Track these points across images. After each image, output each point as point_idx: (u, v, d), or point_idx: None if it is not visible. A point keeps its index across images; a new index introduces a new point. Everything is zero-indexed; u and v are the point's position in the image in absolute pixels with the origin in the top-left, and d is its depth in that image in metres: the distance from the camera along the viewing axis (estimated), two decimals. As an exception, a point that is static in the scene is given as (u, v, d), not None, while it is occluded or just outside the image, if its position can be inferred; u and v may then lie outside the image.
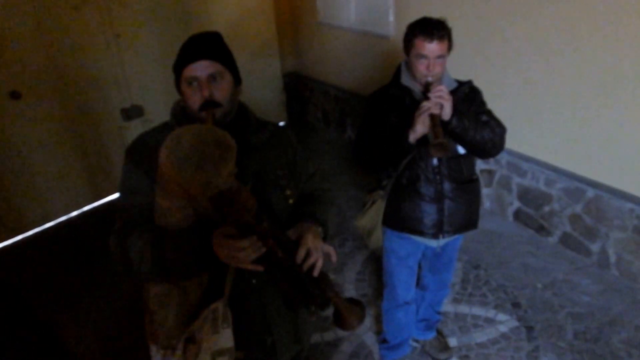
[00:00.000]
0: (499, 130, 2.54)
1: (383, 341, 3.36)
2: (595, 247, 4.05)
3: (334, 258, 1.80)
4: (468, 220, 2.76)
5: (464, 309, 3.79)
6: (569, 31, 3.75)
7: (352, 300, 1.76)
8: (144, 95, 5.57)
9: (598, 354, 3.30)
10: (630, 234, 3.76)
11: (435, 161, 2.58)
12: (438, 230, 2.69)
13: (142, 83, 5.54)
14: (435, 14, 2.52)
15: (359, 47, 6.11)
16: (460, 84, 2.63)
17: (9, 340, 3.82)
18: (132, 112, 5.51)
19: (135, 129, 5.42)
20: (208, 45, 1.80)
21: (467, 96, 2.61)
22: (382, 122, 2.59)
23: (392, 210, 2.77)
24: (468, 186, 2.68)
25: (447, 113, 2.33)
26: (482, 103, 2.66)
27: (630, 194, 3.70)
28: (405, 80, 2.58)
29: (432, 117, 2.32)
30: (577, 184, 4.02)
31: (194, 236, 1.60)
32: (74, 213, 5.40)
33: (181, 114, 1.86)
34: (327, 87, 6.92)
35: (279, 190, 1.93)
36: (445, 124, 2.35)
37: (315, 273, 1.67)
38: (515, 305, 3.76)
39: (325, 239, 1.89)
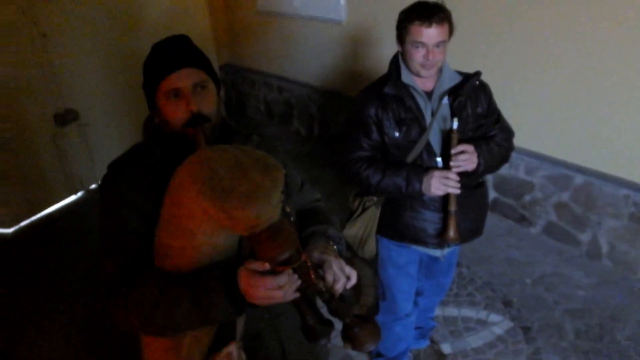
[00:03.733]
0: (510, 142, 2.57)
1: (377, 355, 3.22)
2: (584, 237, 4.03)
3: (353, 280, 1.63)
4: (475, 229, 2.65)
5: (452, 311, 3.70)
6: (554, 9, 3.69)
7: (367, 319, 1.61)
8: (78, 98, 5.31)
9: (604, 354, 3.26)
10: (625, 222, 3.74)
11: (441, 166, 2.44)
12: (442, 240, 2.56)
13: (75, 85, 5.27)
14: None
15: (305, 34, 5.97)
16: (466, 76, 2.48)
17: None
18: (67, 117, 5.22)
19: (70, 135, 5.21)
20: (186, 52, 1.63)
21: (476, 91, 2.47)
22: (375, 133, 2.46)
23: (389, 219, 2.63)
24: (475, 191, 2.56)
25: (471, 169, 2.35)
26: (493, 106, 2.55)
27: (624, 180, 3.68)
28: (406, 76, 2.41)
29: (450, 195, 2.38)
30: (563, 171, 3.99)
31: (216, 277, 1.41)
32: (10, 230, 5.12)
33: (158, 133, 1.67)
34: (269, 78, 6.75)
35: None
36: (471, 173, 2.39)
37: (337, 294, 1.53)
38: (507, 303, 3.70)
39: (340, 255, 1.73)
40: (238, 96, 7.33)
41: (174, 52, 1.60)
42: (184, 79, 1.56)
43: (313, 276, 1.42)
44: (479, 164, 2.35)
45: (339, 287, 1.52)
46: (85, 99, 5.32)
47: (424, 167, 2.40)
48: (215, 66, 6.61)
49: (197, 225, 1.31)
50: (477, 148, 2.35)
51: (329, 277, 1.52)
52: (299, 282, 1.38)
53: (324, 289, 1.48)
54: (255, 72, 6.95)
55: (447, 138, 2.36)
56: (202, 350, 1.58)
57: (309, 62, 6.02)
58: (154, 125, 1.69)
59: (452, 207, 2.39)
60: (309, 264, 1.42)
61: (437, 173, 2.32)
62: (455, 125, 2.29)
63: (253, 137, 1.78)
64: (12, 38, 4.75)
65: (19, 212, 5.18)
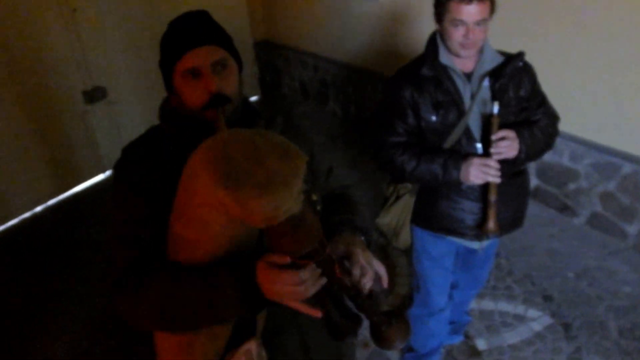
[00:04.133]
0: (555, 127, 2.41)
1: (409, 350, 3.08)
2: (631, 229, 3.83)
3: (384, 276, 1.52)
4: (515, 219, 2.48)
5: (488, 304, 3.54)
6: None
7: (397, 316, 1.47)
8: (107, 75, 5.24)
9: (651, 355, 3.07)
10: (677, 215, 3.52)
11: (480, 151, 2.27)
12: (482, 232, 2.40)
13: (104, 62, 5.20)
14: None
15: (341, 11, 5.78)
16: (508, 57, 2.30)
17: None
18: (95, 94, 5.17)
19: (100, 112, 5.16)
20: (204, 28, 1.49)
21: (519, 74, 2.29)
22: (410, 116, 2.30)
23: (424, 208, 2.48)
24: (517, 180, 2.39)
25: (512, 156, 2.20)
26: (537, 88, 2.38)
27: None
28: (444, 57, 2.24)
29: (490, 184, 2.23)
30: (610, 159, 3.78)
31: (230, 272, 1.30)
32: (39, 208, 5.09)
33: (175, 117, 1.55)
34: (304, 56, 6.60)
35: (304, 196, 1.61)
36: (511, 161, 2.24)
37: (365, 289, 1.40)
38: (547, 298, 3.52)
39: (369, 247, 1.59)
40: (273, 74, 7.20)
41: (192, 28, 1.47)
42: (202, 57, 1.43)
43: (338, 271, 1.31)
44: (520, 151, 2.19)
45: (366, 282, 1.39)
46: (114, 77, 5.25)
47: (462, 154, 2.24)
48: (250, 43, 6.60)
49: (212, 215, 1.19)
50: (518, 134, 2.19)
51: (356, 272, 1.39)
52: (322, 277, 1.26)
53: (349, 284, 1.35)
54: (290, 50, 6.82)
55: (487, 123, 2.20)
56: (218, 346, 1.46)
57: (345, 39, 5.85)
58: (171, 108, 1.57)
59: (492, 197, 2.23)
60: (333, 257, 1.30)
61: (476, 160, 2.17)
62: (496, 109, 2.14)
63: (277, 118, 1.67)
64: (42, 12, 4.68)
65: (47, 191, 5.15)
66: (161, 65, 1.52)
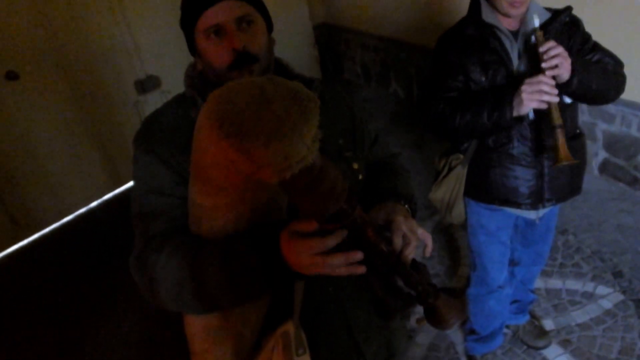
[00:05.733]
0: (618, 69, 2.15)
1: (471, 332, 2.98)
2: None
3: (430, 245, 1.40)
4: (573, 185, 2.36)
5: (556, 283, 3.41)
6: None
7: (449, 291, 1.35)
8: (160, 63, 5.24)
9: None
10: None
11: (531, 114, 2.16)
12: (537, 200, 2.30)
13: (156, 50, 5.20)
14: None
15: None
16: (555, 12, 2.18)
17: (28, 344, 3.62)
18: (148, 84, 5.20)
19: (153, 103, 5.13)
20: None
21: (567, 28, 2.17)
22: (460, 76, 2.19)
23: (476, 179, 2.38)
24: (572, 143, 2.26)
25: (564, 77, 1.95)
26: (586, 36, 2.23)
27: None
28: (488, 15, 2.14)
29: (550, 106, 1.98)
30: (684, 127, 3.55)
31: (253, 244, 1.20)
32: (94, 203, 5.14)
33: (200, 81, 1.48)
34: (365, 38, 6.51)
35: (345, 164, 1.53)
36: (563, 85, 1.98)
37: (409, 260, 1.28)
38: (617, 274, 3.37)
39: (413, 216, 1.50)
40: (334, 58, 7.14)
41: None
42: (225, 12, 1.34)
43: (372, 236, 1.18)
44: (574, 71, 1.97)
45: (408, 252, 1.27)
46: (167, 65, 5.22)
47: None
48: (309, 26, 6.51)
49: (225, 176, 1.09)
50: (570, 55, 1.99)
51: (397, 240, 1.27)
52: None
53: (387, 252, 1.21)
54: (350, 32, 6.74)
55: (533, 55, 2.05)
56: (252, 330, 1.38)
57: (406, 18, 5.73)
58: (196, 73, 1.50)
59: (557, 121, 2.00)
60: (366, 219, 1.17)
61: (526, 82, 1.98)
62: (537, 22, 2.00)
63: (314, 83, 1.55)
64: (92, 4, 4.73)
65: (102, 186, 5.20)
66: (182, 25, 1.44)
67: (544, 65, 1.94)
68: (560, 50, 1.93)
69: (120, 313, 3.75)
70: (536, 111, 2.12)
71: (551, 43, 1.94)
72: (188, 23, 1.41)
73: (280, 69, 1.55)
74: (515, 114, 2.02)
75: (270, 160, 0.97)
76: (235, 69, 1.36)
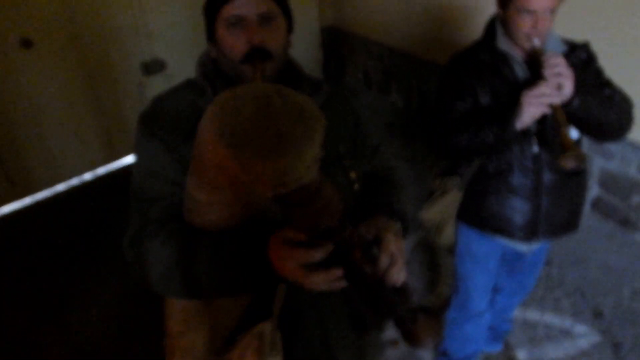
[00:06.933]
0: (626, 106, 2.12)
1: (443, 353, 2.97)
2: (697, 251, 3.59)
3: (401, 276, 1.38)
4: (569, 221, 2.35)
5: (534, 315, 3.40)
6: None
7: (427, 311, 1.36)
8: (168, 47, 5.20)
9: None
10: None
11: (535, 147, 2.14)
12: (531, 233, 2.29)
13: (166, 34, 5.17)
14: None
15: (410, -1, 5.62)
16: (572, 46, 2.16)
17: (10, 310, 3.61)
18: (153, 67, 5.16)
19: (155, 86, 5.10)
20: None
21: (582, 65, 2.14)
22: (468, 98, 2.17)
23: (471, 204, 2.37)
24: (574, 180, 2.25)
25: (567, 93, 1.89)
26: (599, 71, 2.21)
27: None
28: (503, 43, 2.12)
29: (554, 108, 1.91)
30: (681, 174, 3.54)
31: (242, 242, 1.25)
32: (87, 175, 5.16)
33: (213, 70, 1.49)
34: (370, 45, 6.48)
35: (342, 172, 1.54)
36: (563, 105, 1.91)
37: (399, 282, 1.28)
38: (597, 314, 3.35)
39: (405, 235, 1.49)
40: (337, 62, 7.12)
41: None
42: (249, 5, 1.37)
43: (359, 255, 1.20)
44: (576, 91, 1.91)
45: (392, 274, 1.27)
46: (175, 50, 5.19)
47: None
48: (317, 27, 6.50)
49: (222, 178, 1.10)
50: (581, 86, 1.96)
51: (384, 259, 1.27)
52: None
53: (370, 273, 1.23)
54: (356, 37, 6.71)
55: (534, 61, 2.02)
56: (228, 322, 1.40)
57: (413, 30, 5.71)
58: (209, 61, 1.51)
59: (562, 122, 1.91)
60: (355, 240, 1.20)
61: (525, 93, 1.95)
62: (536, 42, 1.98)
63: (323, 86, 1.57)
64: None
65: (97, 158, 5.21)
66: (206, 9, 1.47)
67: (545, 72, 1.92)
68: (562, 60, 1.92)
69: (98, 291, 3.75)
70: (541, 144, 2.11)
71: (557, 58, 1.92)
72: (212, 9, 1.43)
73: (292, 69, 1.55)
74: (518, 123, 1.98)
75: (267, 175, 0.98)
76: (248, 62, 1.37)
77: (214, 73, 1.48)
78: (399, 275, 1.28)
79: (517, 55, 2.11)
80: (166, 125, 1.40)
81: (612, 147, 3.86)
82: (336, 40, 7.02)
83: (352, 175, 1.56)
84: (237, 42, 1.38)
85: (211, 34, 1.47)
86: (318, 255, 1.14)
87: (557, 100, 1.90)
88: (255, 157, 0.97)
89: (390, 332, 2.95)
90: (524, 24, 1.99)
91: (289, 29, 1.51)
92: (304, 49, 6.50)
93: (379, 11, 6.16)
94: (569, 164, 1.90)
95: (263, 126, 0.99)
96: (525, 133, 2.10)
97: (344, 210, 1.12)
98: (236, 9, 1.37)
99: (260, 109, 1.01)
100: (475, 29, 4.49)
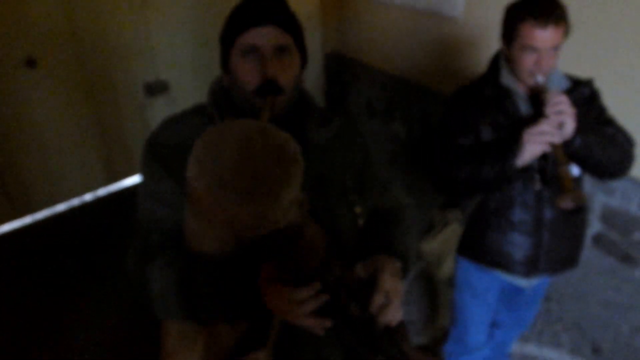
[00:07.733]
0: (627, 145, 2.12)
1: (440, 388, 2.94)
2: (697, 290, 3.56)
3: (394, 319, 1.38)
4: (569, 257, 2.34)
5: (532, 350, 3.38)
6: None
7: (423, 351, 1.36)
8: (171, 69, 5.19)
9: None
10: None
11: (538, 184, 2.13)
12: (531, 268, 2.28)
13: (170, 55, 5.15)
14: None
15: (417, 29, 5.60)
16: (576, 83, 2.16)
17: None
18: (156, 88, 5.15)
19: (157, 108, 5.10)
20: (278, 9, 1.42)
21: (586, 102, 2.14)
22: (470, 133, 2.16)
23: (472, 238, 2.36)
24: (575, 217, 2.24)
25: (568, 132, 1.90)
26: (602, 108, 2.21)
27: None
28: (506, 78, 2.12)
29: (554, 147, 1.91)
30: (684, 212, 3.52)
31: (235, 272, 1.26)
32: (87, 196, 5.13)
33: (223, 98, 1.49)
34: (374, 73, 6.48)
35: (346, 206, 1.53)
36: (564, 144, 1.91)
37: (394, 322, 1.27)
38: (596, 351, 3.34)
39: (404, 275, 1.48)
40: (340, 88, 7.12)
41: (264, 6, 1.41)
42: (266, 36, 1.37)
43: (344, 297, 1.21)
44: (578, 129, 1.92)
45: (387, 314, 1.26)
46: (177, 71, 5.20)
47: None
48: (321, 53, 6.51)
49: (207, 211, 1.09)
50: (583, 125, 1.96)
51: (377, 299, 1.26)
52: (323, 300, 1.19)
53: (357, 317, 1.24)
54: (360, 64, 6.71)
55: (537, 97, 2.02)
56: (222, 348, 1.41)
57: (418, 59, 5.70)
58: (221, 88, 1.52)
59: (562, 162, 1.92)
60: (341, 282, 1.21)
61: (526, 130, 1.94)
62: (540, 79, 1.97)
63: (335, 118, 1.58)
64: (113, 0, 4.70)
65: (98, 179, 5.16)
66: (222, 37, 1.46)
67: (547, 110, 1.91)
68: (564, 98, 1.91)
69: (95, 311, 3.74)
70: (543, 180, 2.10)
71: (559, 97, 1.92)
72: (229, 37, 1.43)
73: (303, 101, 1.57)
74: (518, 160, 1.97)
75: (242, 218, 0.99)
76: (261, 94, 1.37)
77: (224, 102, 1.49)
78: (394, 315, 1.27)
79: (520, 91, 2.11)
80: (171, 149, 1.40)
81: (614, 183, 3.85)
82: (339, 67, 7.04)
83: (358, 210, 1.56)
84: (251, 72, 1.38)
85: (225, 63, 1.47)
86: (303, 295, 1.15)
87: (558, 139, 1.90)
88: (232, 199, 0.98)
89: None
90: (528, 61, 1.99)
91: (303, 64, 1.52)
92: (306, 74, 6.44)
93: (385, 38, 6.17)
94: (566, 204, 1.91)
95: (241, 168, 1.00)
96: (528, 169, 2.09)
97: (329, 251, 1.14)
98: (253, 38, 1.37)
99: (240, 149, 1.02)
100: (480, 61, 4.50)
